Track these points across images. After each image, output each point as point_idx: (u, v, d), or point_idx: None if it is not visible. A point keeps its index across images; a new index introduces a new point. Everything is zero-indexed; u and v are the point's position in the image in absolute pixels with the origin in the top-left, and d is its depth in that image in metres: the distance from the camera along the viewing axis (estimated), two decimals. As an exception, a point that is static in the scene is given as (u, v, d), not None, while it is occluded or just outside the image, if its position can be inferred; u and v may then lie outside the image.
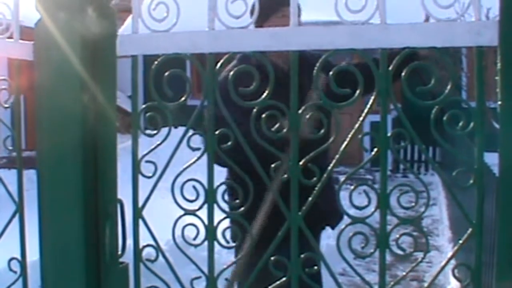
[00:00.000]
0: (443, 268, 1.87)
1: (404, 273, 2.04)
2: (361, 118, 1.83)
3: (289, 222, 1.89)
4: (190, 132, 2.02)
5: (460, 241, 1.86)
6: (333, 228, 3.67)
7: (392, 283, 1.92)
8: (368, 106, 1.82)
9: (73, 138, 1.96)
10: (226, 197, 2.03)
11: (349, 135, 1.84)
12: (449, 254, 6.07)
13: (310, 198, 1.89)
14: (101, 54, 1.97)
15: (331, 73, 1.81)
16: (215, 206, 1.98)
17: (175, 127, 2.02)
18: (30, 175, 2.54)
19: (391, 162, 13.33)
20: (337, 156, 1.86)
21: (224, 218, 1.99)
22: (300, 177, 1.86)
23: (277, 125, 1.89)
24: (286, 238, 1.92)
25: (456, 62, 10.65)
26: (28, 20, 2.37)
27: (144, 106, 2.03)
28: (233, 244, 2.02)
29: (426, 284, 6.54)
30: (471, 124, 1.73)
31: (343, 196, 1.85)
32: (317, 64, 1.82)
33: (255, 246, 1.97)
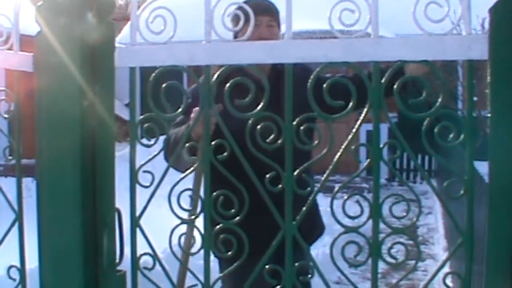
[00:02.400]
0: (433, 276, 1.90)
1: (396, 281, 2.05)
2: (354, 130, 1.86)
3: (284, 231, 1.92)
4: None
5: (454, 250, 1.89)
6: (310, 245, 3.53)
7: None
8: (361, 118, 1.86)
9: (72, 147, 1.99)
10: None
11: (342, 146, 1.88)
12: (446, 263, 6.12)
13: (304, 208, 1.93)
14: (100, 64, 2.00)
15: (324, 85, 1.84)
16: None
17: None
18: (26, 183, 2.57)
19: (387, 171, 13.33)
20: (330, 167, 1.88)
21: (220, 227, 2.01)
22: (294, 187, 1.89)
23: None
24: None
25: (452, 72, 10.68)
26: (25, 29, 2.40)
27: (142, 117, 2.07)
28: (229, 253, 2.03)
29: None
30: (464, 134, 1.77)
31: (337, 204, 1.88)
32: (311, 77, 1.85)
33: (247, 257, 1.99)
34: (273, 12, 3.25)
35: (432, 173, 14.28)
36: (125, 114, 12.40)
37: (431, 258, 8.03)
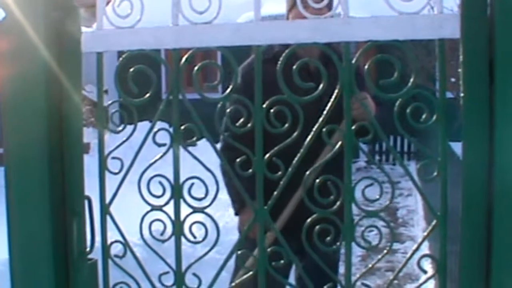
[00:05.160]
0: (408, 259, 1.88)
1: (373, 263, 2.03)
2: (324, 112, 1.84)
3: (256, 216, 1.90)
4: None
5: (428, 233, 1.87)
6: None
7: (357, 275, 1.92)
8: (332, 100, 1.83)
9: (39, 135, 1.96)
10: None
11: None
12: (424, 244, 6.09)
13: (275, 193, 1.90)
14: (66, 51, 1.97)
15: (294, 67, 1.81)
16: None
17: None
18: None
19: (367, 153, 13.35)
20: (301, 150, 1.86)
21: (191, 213, 1.98)
22: (265, 171, 1.87)
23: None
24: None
25: (430, 52, 10.67)
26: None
27: (110, 102, 2.04)
28: (199, 240, 2.00)
29: (401, 275, 6.57)
30: (437, 115, 1.74)
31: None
32: (281, 58, 1.83)
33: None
34: None
35: (412, 154, 14.31)
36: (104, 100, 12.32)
37: (410, 240, 8.04)
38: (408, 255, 1.88)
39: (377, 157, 14.04)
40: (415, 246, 1.93)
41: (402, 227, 8.80)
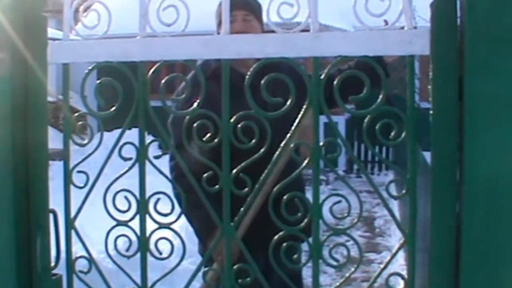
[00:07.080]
0: (377, 276, 1.87)
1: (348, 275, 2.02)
2: (293, 127, 1.82)
3: (222, 232, 1.87)
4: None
5: (396, 252, 1.86)
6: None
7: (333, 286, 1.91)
8: (301, 113, 1.81)
9: (3, 147, 1.92)
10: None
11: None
12: (400, 255, 6.08)
13: (242, 209, 1.88)
14: (32, 61, 1.93)
15: (262, 82, 1.79)
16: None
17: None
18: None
19: (345, 162, 13.36)
20: (269, 166, 1.83)
21: (157, 229, 1.95)
22: (232, 187, 1.84)
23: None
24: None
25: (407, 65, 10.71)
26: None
27: (76, 114, 2.01)
28: (165, 256, 1.98)
29: (377, 285, 6.57)
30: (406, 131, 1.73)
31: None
32: (248, 73, 1.80)
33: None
34: (249, 7, 3.07)
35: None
36: (82, 106, 12.29)
37: (387, 250, 8.04)
38: (376, 273, 1.89)
39: (355, 167, 14.02)
40: (400, 255, 1.92)
41: (379, 237, 8.79)
